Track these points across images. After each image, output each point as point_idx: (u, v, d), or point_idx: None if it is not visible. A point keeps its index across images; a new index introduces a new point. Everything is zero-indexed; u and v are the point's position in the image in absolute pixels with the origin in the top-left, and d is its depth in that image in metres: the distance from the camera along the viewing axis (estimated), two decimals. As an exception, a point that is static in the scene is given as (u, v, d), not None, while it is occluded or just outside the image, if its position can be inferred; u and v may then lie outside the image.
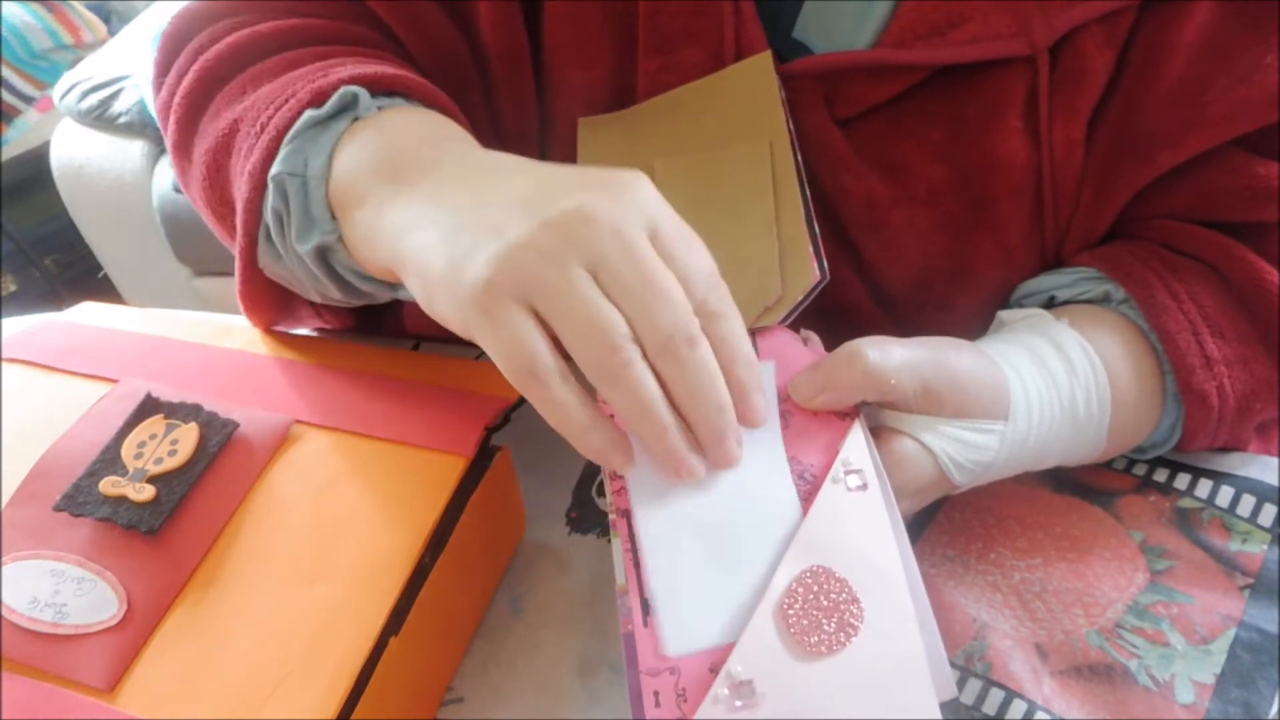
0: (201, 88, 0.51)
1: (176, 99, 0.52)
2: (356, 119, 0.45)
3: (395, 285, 0.46)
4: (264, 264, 0.49)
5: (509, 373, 0.36)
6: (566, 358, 0.36)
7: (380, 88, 0.47)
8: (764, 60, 0.50)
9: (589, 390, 0.37)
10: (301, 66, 0.49)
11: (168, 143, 0.54)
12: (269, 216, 0.46)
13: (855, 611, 0.36)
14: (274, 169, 0.45)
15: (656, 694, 0.35)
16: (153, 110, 1.55)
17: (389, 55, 0.53)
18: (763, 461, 0.40)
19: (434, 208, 0.40)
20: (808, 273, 0.43)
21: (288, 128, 0.45)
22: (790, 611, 0.36)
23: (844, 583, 0.36)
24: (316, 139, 0.45)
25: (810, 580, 0.37)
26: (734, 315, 0.38)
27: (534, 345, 0.35)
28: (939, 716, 0.35)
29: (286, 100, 0.46)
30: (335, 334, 0.63)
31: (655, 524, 0.38)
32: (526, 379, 0.36)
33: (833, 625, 0.36)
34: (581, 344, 0.35)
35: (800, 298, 0.43)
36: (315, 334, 0.63)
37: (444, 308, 0.38)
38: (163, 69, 0.56)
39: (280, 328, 0.56)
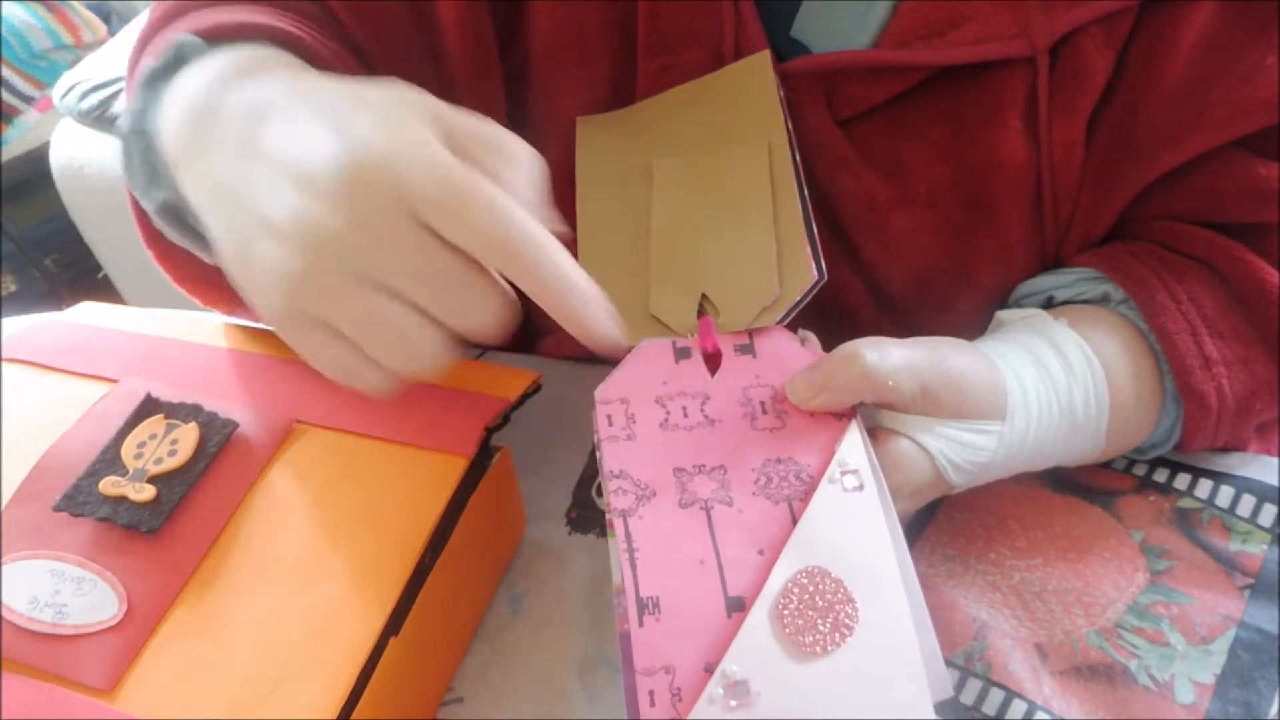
0: (139, 47, 0.51)
1: (128, 63, 0.53)
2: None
3: None
4: (154, 221, 0.48)
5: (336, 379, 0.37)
6: None
7: (225, 34, 0.45)
8: (763, 60, 0.50)
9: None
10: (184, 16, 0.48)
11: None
12: (124, 175, 0.46)
13: (850, 612, 0.36)
14: (120, 124, 0.45)
15: (651, 693, 0.35)
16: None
17: (289, 14, 0.49)
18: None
19: (212, 186, 0.38)
20: (805, 273, 0.43)
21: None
22: (785, 612, 0.36)
23: (839, 583, 0.36)
24: (158, 94, 0.43)
25: (805, 580, 0.37)
26: (526, 158, 0.36)
27: (340, 360, 0.37)
28: (933, 717, 0.35)
29: (150, 52, 0.46)
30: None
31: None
32: (354, 385, 0.37)
33: (828, 625, 0.36)
34: (375, 349, 0.36)
35: (798, 298, 0.43)
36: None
37: (259, 317, 0.39)
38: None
39: (241, 316, 0.55)
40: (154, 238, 0.49)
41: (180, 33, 0.44)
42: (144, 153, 0.44)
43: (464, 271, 0.34)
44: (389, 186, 0.33)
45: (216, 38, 0.45)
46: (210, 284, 0.52)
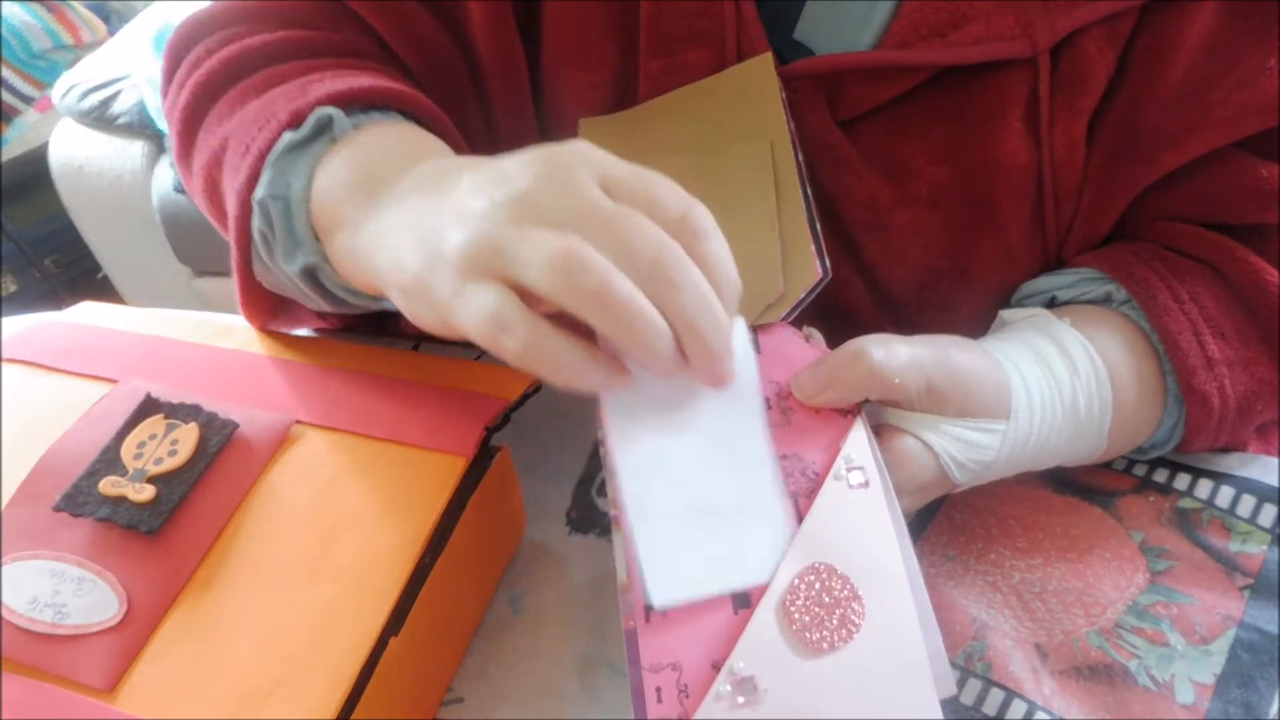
0: (196, 103, 0.53)
1: (176, 113, 0.54)
2: (334, 140, 0.45)
3: (381, 298, 0.46)
4: (259, 275, 0.50)
5: (483, 340, 0.35)
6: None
7: (358, 103, 0.47)
8: (765, 61, 0.50)
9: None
10: (286, 82, 0.49)
11: (173, 152, 0.56)
12: (256, 237, 0.47)
13: (857, 609, 0.36)
14: (257, 192, 0.45)
15: (658, 690, 0.35)
16: (151, 112, 1.56)
17: (374, 65, 0.53)
18: (738, 408, 0.40)
19: (399, 219, 0.40)
20: (810, 270, 0.43)
21: (269, 149, 0.46)
22: (792, 608, 0.36)
23: (846, 580, 0.37)
24: (295, 161, 0.45)
25: (812, 577, 0.37)
26: (716, 233, 0.37)
27: (497, 302, 0.34)
28: (939, 714, 0.35)
29: (268, 120, 0.47)
30: (335, 334, 0.63)
31: (633, 470, 0.39)
32: (498, 335, 0.35)
33: (835, 622, 0.36)
34: (550, 279, 0.33)
35: (802, 295, 0.43)
36: (315, 334, 0.63)
37: (423, 310, 0.38)
38: (167, 78, 0.57)
39: (280, 329, 0.56)
40: (249, 286, 0.51)
41: (320, 107, 0.46)
42: (284, 218, 0.45)
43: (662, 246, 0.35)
44: (576, 161, 0.36)
45: (352, 103, 0.47)
46: (280, 316, 0.56)
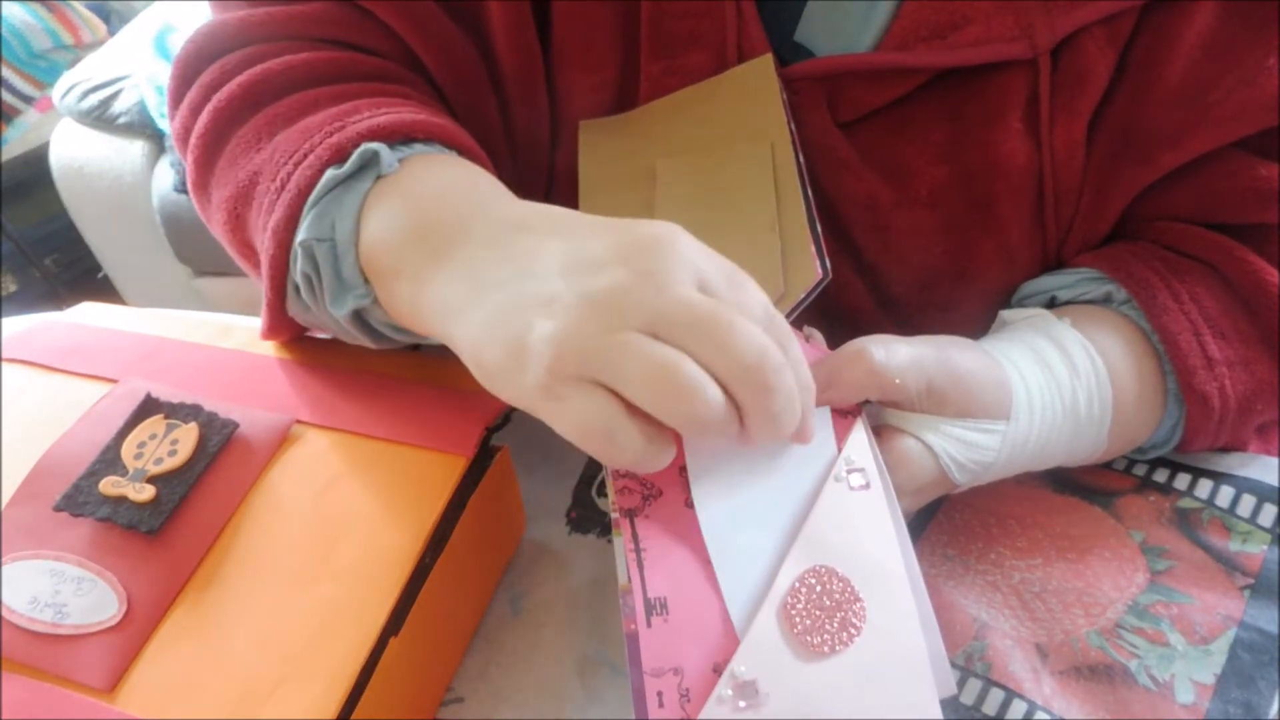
0: (216, 129, 0.50)
1: (193, 139, 0.50)
2: (380, 176, 0.43)
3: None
4: (294, 314, 0.48)
5: (589, 448, 0.35)
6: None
7: (398, 136, 0.45)
8: (765, 63, 0.50)
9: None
10: (318, 111, 0.47)
11: (188, 179, 0.53)
12: (298, 278, 0.45)
13: (858, 611, 0.36)
14: (301, 235, 0.43)
15: (660, 694, 0.35)
16: (151, 112, 1.56)
17: (405, 89, 0.51)
18: (813, 469, 0.40)
19: (473, 285, 0.38)
20: (810, 271, 0.43)
21: (309, 187, 0.44)
22: (793, 611, 0.36)
23: (847, 582, 0.36)
24: (340, 200, 0.43)
25: (813, 580, 0.37)
26: (793, 340, 0.37)
27: (603, 414, 0.34)
28: (940, 716, 0.35)
29: (305, 155, 0.45)
30: (335, 334, 0.63)
31: (715, 528, 0.39)
32: (605, 445, 0.35)
33: (835, 625, 0.36)
34: (652, 399, 0.34)
35: (803, 295, 0.43)
36: (315, 334, 0.63)
37: (508, 395, 0.37)
38: (176, 97, 0.53)
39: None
40: (278, 320, 0.49)
41: (367, 142, 0.44)
42: (331, 261, 0.43)
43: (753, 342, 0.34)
44: (672, 256, 0.35)
45: (393, 137, 0.45)
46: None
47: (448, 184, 0.43)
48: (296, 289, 0.46)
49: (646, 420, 0.35)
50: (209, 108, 0.50)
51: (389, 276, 0.42)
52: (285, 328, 0.50)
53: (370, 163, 0.44)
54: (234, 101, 0.49)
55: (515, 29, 0.53)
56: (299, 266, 0.44)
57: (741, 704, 0.34)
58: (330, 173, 0.43)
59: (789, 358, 0.36)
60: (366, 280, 0.43)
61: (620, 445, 0.35)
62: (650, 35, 0.52)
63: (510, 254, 0.38)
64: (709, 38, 0.51)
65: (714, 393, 0.34)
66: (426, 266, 0.40)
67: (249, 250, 0.50)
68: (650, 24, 0.51)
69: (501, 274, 0.38)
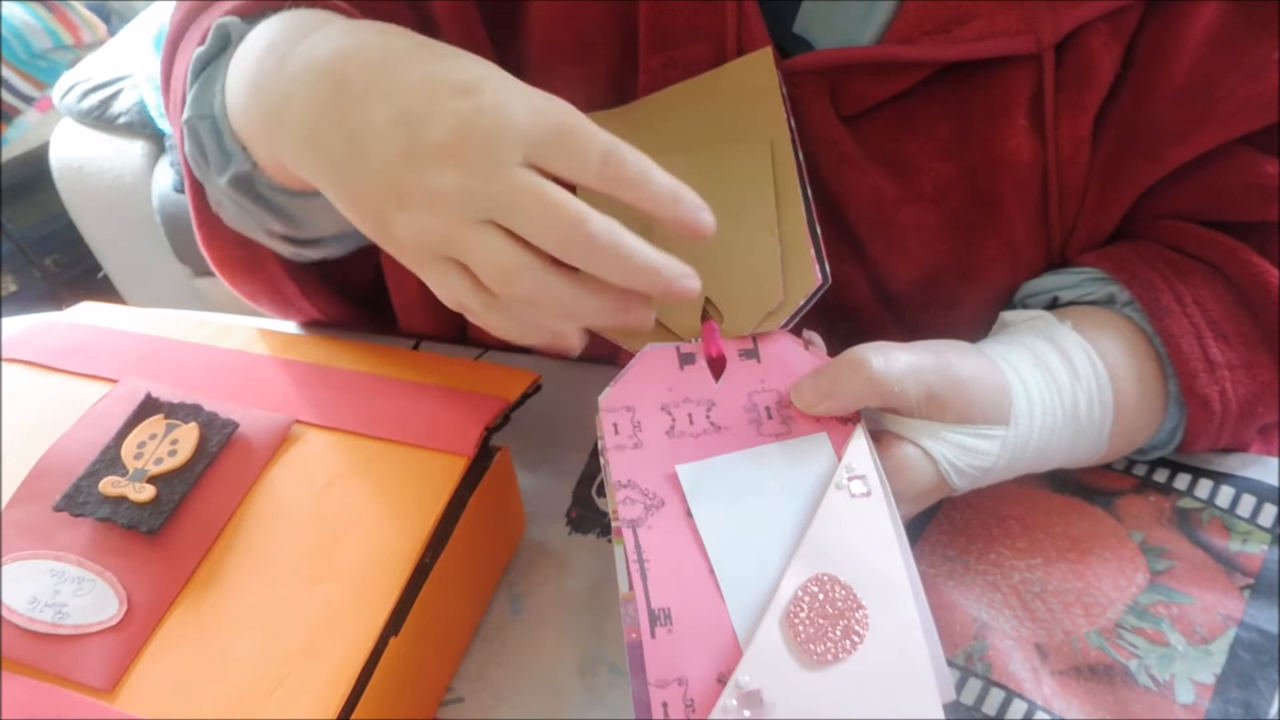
0: (169, 43, 0.53)
1: (161, 59, 0.55)
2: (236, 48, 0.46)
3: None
4: (214, 207, 0.51)
5: (460, 310, 0.40)
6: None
7: (255, 10, 0.47)
8: (764, 56, 0.50)
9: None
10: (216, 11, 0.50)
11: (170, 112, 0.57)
12: (192, 162, 0.48)
13: (861, 618, 0.36)
14: (184, 114, 0.46)
15: (665, 705, 0.35)
16: (151, 112, 1.55)
17: None
18: (811, 483, 0.40)
19: (319, 156, 0.40)
20: (809, 276, 0.43)
21: (188, 72, 0.47)
22: (796, 620, 0.36)
23: (849, 590, 0.36)
24: (213, 79, 0.46)
25: (816, 588, 0.36)
26: (635, 159, 0.38)
27: (456, 291, 0.39)
28: (941, 714, 0.35)
29: (188, 44, 0.49)
30: (335, 334, 0.63)
31: (719, 546, 0.39)
32: (463, 312, 0.40)
33: (839, 633, 0.36)
34: (489, 281, 0.38)
35: (802, 302, 0.43)
36: (315, 334, 0.63)
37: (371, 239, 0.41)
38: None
39: (267, 307, 0.58)
40: (206, 223, 0.52)
41: (216, 18, 0.47)
42: (214, 135, 0.46)
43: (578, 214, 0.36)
44: (504, 136, 0.36)
45: (252, 15, 0.47)
46: (253, 271, 0.57)
47: (272, 31, 0.44)
48: (199, 173, 0.49)
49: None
50: (167, 39, 0.54)
51: (252, 135, 0.44)
52: (217, 236, 0.53)
53: (228, 40, 0.46)
54: (177, 24, 0.53)
55: (457, 21, 0.53)
56: (188, 148, 0.47)
57: (746, 713, 0.34)
58: (196, 53, 0.47)
59: (632, 184, 0.38)
60: (244, 148, 0.45)
61: (474, 314, 0.39)
62: (649, 28, 0.52)
63: (341, 122, 0.39)
64: (708, 30, 0.51)
65: (553, 278, 0.37)
66: (269, 126, 0.42)
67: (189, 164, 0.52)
68: (649, 16, 0.51)
69: (340, 150, 0.39)
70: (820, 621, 0.36)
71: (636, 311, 0.39)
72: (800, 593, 0.36)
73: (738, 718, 0.34)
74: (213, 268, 0.56)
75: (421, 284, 0.63)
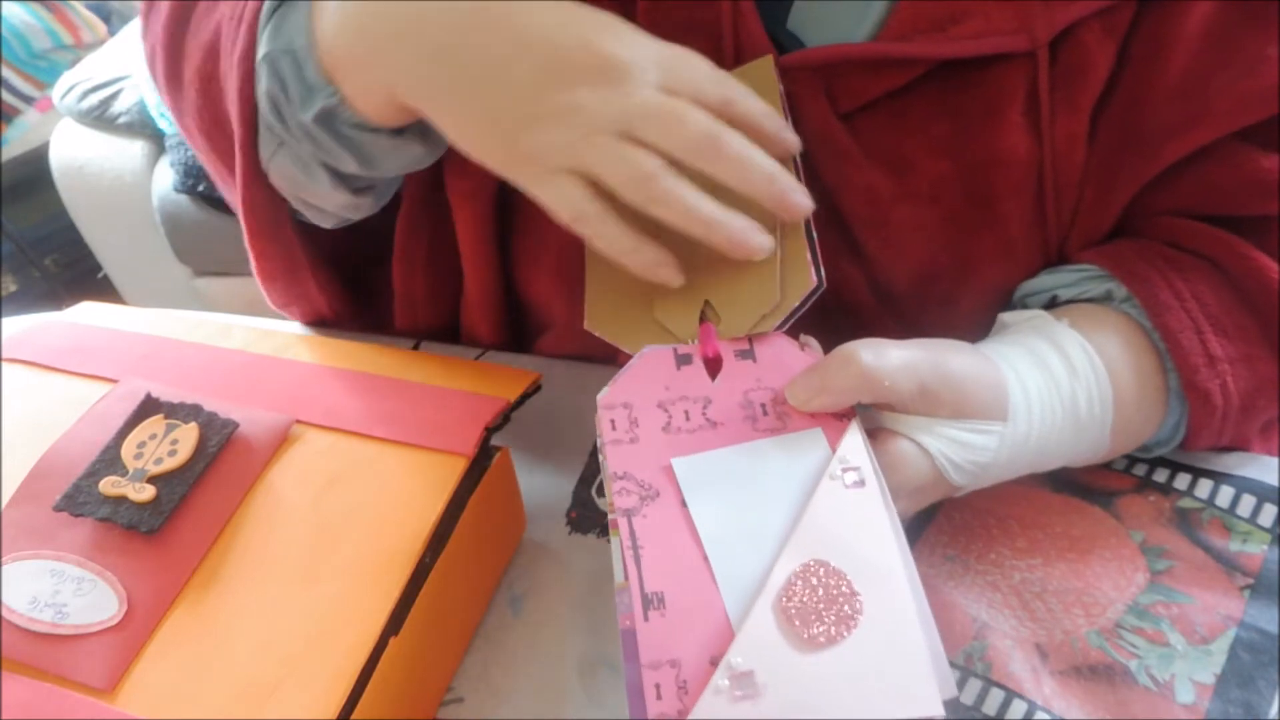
0: (180, 11, 0.53)
1: (159, 31, 0.53)
2: None
3: (405, 135, 0.48)
4: (265, 157, 0.50)
5: (562, 222, 0.42)
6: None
7: None
8: (766, 64, 0.50)
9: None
10: None
11: (161, 86, 0.55)
12: (264, 102, 0.47)
13: (855, 604, 0.36)
14: (261, 51, 0.46)
15: (658, 687, 0.35)
16: (151, 112, 1.56)
17: None
18: (804, 471, 0.40)
19: (449, 76, 0.42)
20: (806, 279, 0.43)
21: (259, 11, 0.47)
22: (789, 604, 0.36)
23: (842, 575, 0.37)
24: (290, 13, 0.46)
25: (809, 574, 0.37)
26: (746, 96, 0.43)
27: (574, 200, 0.42)
28: (941, 708, 0.35)
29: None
30: (335, 334, 0.63)
31: (713, 537, 0.39)
32: (573, 224, 0.42)
33: (832, 617, 0.36)
34: (622, 186, 0.41)
35: (797, 304, 0.43)
36: (315, 334, 0.63)
37: (497, 170, 0.44)
38: (145, 26, 0.57)
39: (278, 288, 0.57)
40: (253, 178, 0.52)
41: None
42: (295, 70, 0.46)
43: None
44: (641, 60, 0.41)
45: None
46: (275, 242, 0.56)
47: None
48: (267, 122, 0.48)
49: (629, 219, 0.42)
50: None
51: (348, 66, 0.45)
52: (260, 199, 0.52)
53: None
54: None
55: None
56: (264, 86, 0.46)
57: (738, 694, 0.34)
58: None
59: (744, 111, 0.43)
60: (330, 82, 0.45)
61: (587, 221, 0.42)
62: (647, 25, 0.52)
63: (480, 41, 0.42)
64: (705, 28, 0.51)
65: (674, 178, 0.41)
66: (383, 50, 0.43)
67: (219, 130, 0.51)
68: (646, 16, 0.51)
69: (477, 67, 0.42)
70: (814, 606, 0.36)
71: (755, 236, 0.42)
72: (794, 578, 0.37)
73: (730, 698, 0.34)
74: (247, 242, 0.55)
75: (426, 281, 0.63)
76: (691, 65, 0.43)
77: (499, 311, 0.61)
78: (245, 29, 0.47)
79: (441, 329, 0.64)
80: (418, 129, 0.48)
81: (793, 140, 0.45)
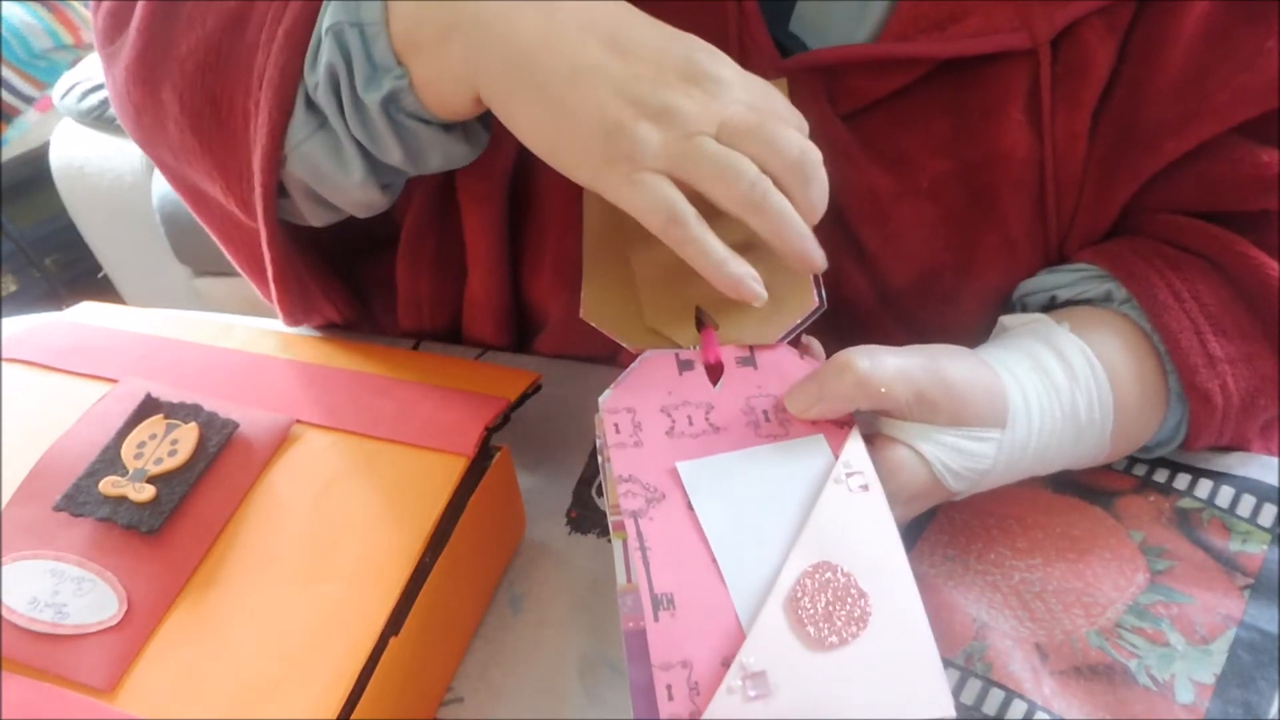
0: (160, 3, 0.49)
1: (134, 27, 0.50)
2: None
3: (453, 132, 0.47)
4: (295, 141, 0.46)
5: (652, 225, 0.41)
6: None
7: None
8: (780, 86, 0.50)
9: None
10: None
11: (117, 91, 0.52)
12: (321, 75, 0.44)
13: (864, 604, 0.36)
14: (327, 21, 0.43)
15: (669, 687, 0.35)
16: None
17: None
18: (808, 474, 0.41)
19: (531, 70, 0.41)
20: (808, 297, 0.43)
21: None
22: (800, 604, 0.36)
23: (851, 577, 0.37)
24: None
25: (818, 575, 0.37)
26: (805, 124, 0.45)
27: (671, 199, 0.40)
28: (951, 707, 0.35)
29: None
30: (335, 334, 0.63)
31: (720, 538, 0.39)
32: (667, 225, 0.41)
33: (843, 617, 0.36)
34: (724, 187, 0.40)
35: (798, 321, 0.43)
36: (315, 334, 0.63)
37: (574, 173, 0.42)
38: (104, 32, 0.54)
39: (288, 294, 0.55)
40: (273, 165, 0.47)
41: None
42: (362, 46, 0.44)
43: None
44: (731, 79, 0.42)
45: None
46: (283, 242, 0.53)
47: None
48: (307, 101, 0.45)
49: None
50: None
51: (425, 47, 0.43)
52: (272, 169, 0.47)
53: None
54: None
55: None
56: (324, 59, 0.44)
57: (752, 694, 0.34)
58: None
59: (801, 172, 0.43)
60: (400, 63, 0.43)
61: (680, 224, 0.41)
62: None
63: (583, 36, 0.42)
64: (709, 31, 0.51)
65: (775, 196, 0.41)
66: (471, 28, 0.42)
67: (218, 117, 0.48)
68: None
69: (578, 59, 0.41)
70: (824, 606, 0.36)
71: (816, 252, 0.42)
72: (803, 578, 0.37)
73: (743, 698, 0.34)
74: (260, 226, 0.50)
75: (430, 282, 0.63)
76: (774, 94, 0.44)
77: (503, 312, 0.61)
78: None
79: (444, 329, 0.64)
80: (464, 127, 0.47)
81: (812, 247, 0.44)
